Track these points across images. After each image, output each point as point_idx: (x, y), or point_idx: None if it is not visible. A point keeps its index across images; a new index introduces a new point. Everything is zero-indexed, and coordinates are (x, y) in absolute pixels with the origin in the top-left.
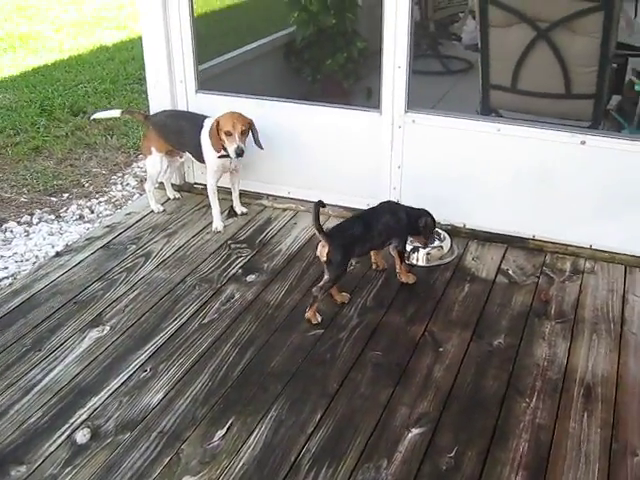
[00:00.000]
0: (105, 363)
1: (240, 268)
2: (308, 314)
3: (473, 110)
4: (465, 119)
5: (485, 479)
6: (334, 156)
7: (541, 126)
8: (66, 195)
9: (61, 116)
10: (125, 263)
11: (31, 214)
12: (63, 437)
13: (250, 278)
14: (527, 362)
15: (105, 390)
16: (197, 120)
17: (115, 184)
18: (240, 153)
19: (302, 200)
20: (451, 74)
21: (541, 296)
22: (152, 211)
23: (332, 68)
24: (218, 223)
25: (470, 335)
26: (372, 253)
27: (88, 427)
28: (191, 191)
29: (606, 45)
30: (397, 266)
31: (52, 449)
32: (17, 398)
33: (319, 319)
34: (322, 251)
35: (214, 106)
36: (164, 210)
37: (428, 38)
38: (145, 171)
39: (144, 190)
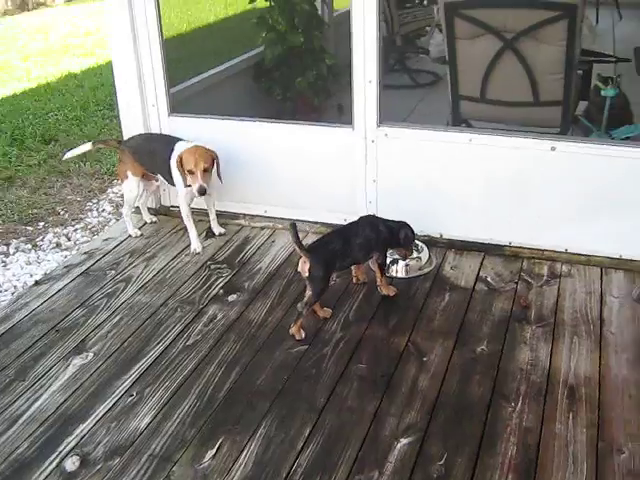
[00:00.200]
0: (91, 390)
1: (221, 288)
2: (293, 330)
3: (443, 122)
4: (437, 131)
5: None
6: (309, 173)
7: (511, 134)
8: (42, 224)
9: (33, 145)
10: (105, 289)
11: (7, 244)
12: (52, 466)
13: (231, 298)
14: (510, 367)
15: (92, 417)
16: (169, 143)
17: (91, 210)
18: (203, 192)
19: (279, 218)
20: (419, 87)
21: (520, 301)
22: (130, 236)
23: (302, 86)
24: (196, 244)
25: (453, 343)
26: (353, 267)
27: (77, 454)
28: (168, 214)
29: (571, 52)
30: (378, 279)
31: (42, 478)
32: (3, 429)
33: (303, 335)
34: (303, 267)
35: (187, 129)
36: (142, 234)
37: (395, 53)
38: (120, 196)
39: (120, 215)
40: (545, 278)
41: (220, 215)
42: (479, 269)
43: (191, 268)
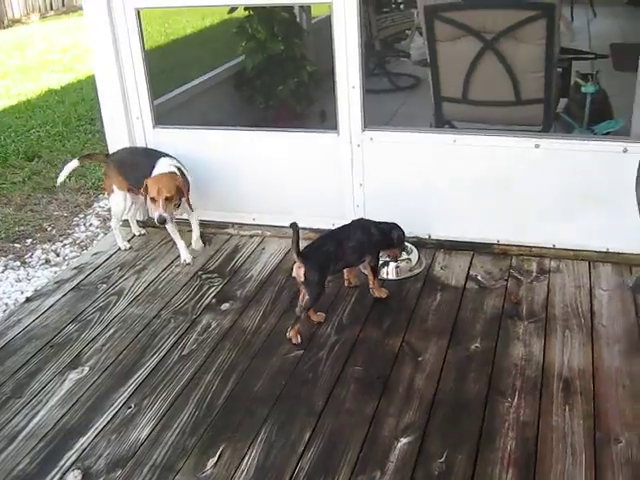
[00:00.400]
0: (88, 403)
1: (213, 298)
2: (290, 334)
3: (426, 124)
4: (421, 132)
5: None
6: (296, 179)
7: (495, 133)
8: (29, 240)
9: (16, 162)
10: (98, 303)
11: None
12: None
13: (224, 307)
14: (505, 363)
15: (92, 430)
16: (152, 158)
17: (78, 225)
18: (162, 221)
19: (268, 225)
20: (400, 91)
21: (511, 298)
22: (119, 249)
23: (284, 94)
24: (186, 255)
25: (447, 342)
26: (345, 270)
27: (79, 468)
28: (156, 226)
29: (550, 50)
30: (370, 282)
31: None
32: (3, 446)
33: (299, 340)
34: (298, 272)
35: (172, 140)
36: (131, 247)
37: (375, 57)
38: (107, 210)
39: (108, 229)
40: (534, 274)
41: (208, 225)
42: (469, 268)
43: (182, 279)
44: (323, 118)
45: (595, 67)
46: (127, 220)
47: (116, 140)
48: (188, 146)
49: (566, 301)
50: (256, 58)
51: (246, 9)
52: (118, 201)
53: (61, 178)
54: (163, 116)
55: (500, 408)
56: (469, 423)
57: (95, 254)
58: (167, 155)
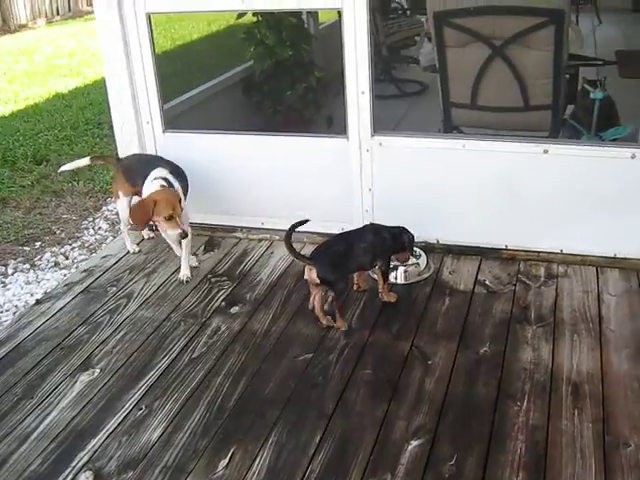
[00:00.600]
0: (100, 405)
1: (223, 301)
2: (338, 323)
3: (434, 129)
4: (431, 138)
5: None
6: (305, 184)
7: (504, 139)
8: (38, 243)
9: (24, 166)
10: (107, 305)
11: (5, 265)
12: None
13: (234, 310)
14: (514, 367)
15: (103, 431)
16: (150, 167)
17: (87, 229)
18: (185, 237)
19: (277, 230)
20: (407, 96)
21: (520, 303)
22: (128, 252)
23: (292, 99)
24: (186, 272)
25: (456, 346)
26: (355, 274)
27: (90, 469)
28: None
29: (559, 57)
30: (380, 286)
31: None
32: (15, 447)
33: (345, 326)
34: (310, 274)
35: (182, 144)
36: (140, 250)
37: (382, 63)
38: (116, 214)
39: (117, 232)
40: (542, 279)
41: (216, 228)
42: (477, 273)
43: (192, 281)
44: (330, 123)
45: (601, 73)
46: None
47: (126, 145)
48: (197, 150)
49: (574, 306)
50: (264, 63)
51: (254, 15)
52: (123, 207)
53: (66, 167)
54: (174, 119)
55: (510, 412)
56: (479, 426)
57: (104, 257)
58: (160, 166)
